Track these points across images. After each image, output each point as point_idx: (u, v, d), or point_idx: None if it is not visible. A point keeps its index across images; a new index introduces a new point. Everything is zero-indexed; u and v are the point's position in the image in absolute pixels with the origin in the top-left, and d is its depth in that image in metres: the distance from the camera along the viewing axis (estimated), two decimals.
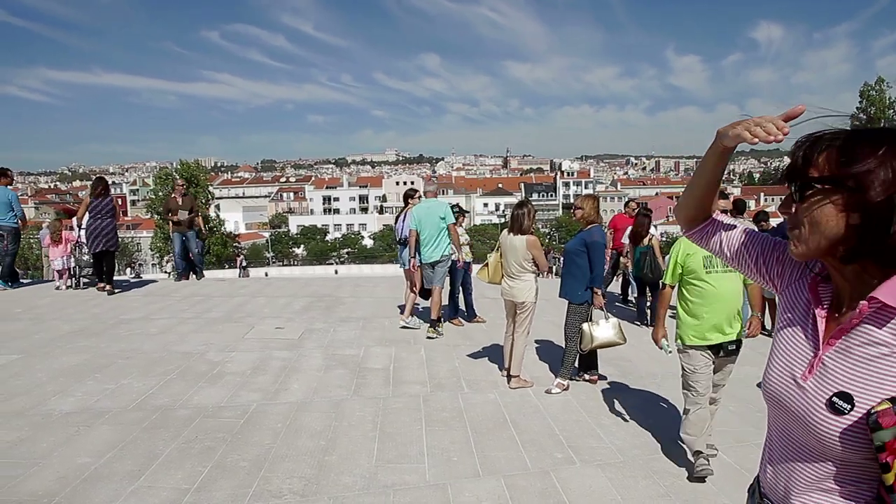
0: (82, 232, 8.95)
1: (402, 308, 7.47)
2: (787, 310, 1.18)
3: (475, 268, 7.45)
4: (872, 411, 0.92)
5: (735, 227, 1.34)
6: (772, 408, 1.15)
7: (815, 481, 1.04)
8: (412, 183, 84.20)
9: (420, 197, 7.36)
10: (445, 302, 7.24)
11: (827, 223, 1.00)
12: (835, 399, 0.99)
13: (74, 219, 9.68)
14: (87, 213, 8.55)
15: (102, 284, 8.81)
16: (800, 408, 1.05)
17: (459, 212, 7.67)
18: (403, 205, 7.63)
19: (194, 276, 10.79)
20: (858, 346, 1.00)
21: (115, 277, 9.48)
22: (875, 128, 1.02)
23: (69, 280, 9.43)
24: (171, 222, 10.60)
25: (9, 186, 9.21)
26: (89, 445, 3.64)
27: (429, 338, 6.57)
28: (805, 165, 1.03)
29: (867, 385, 0.97)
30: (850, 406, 0.97)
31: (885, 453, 0.90)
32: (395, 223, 7.75)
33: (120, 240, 9.93)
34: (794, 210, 1.06)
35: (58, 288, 9.20)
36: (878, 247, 0.97)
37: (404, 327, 6.98)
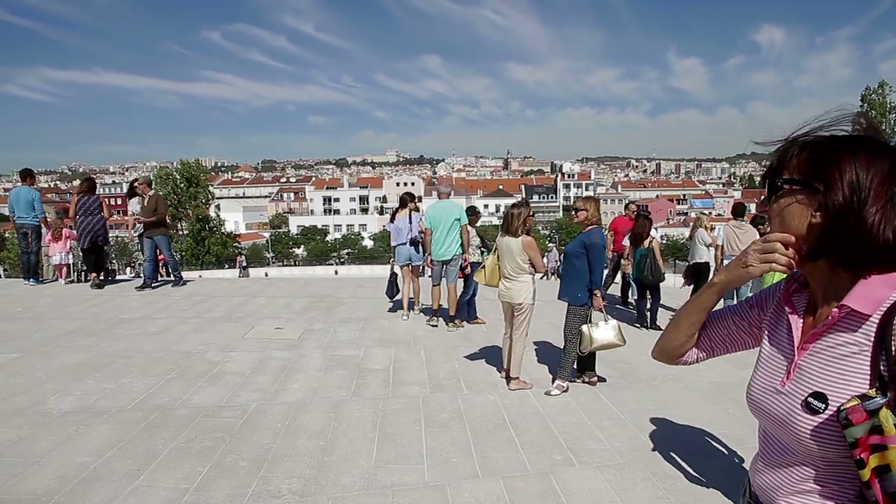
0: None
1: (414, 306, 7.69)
2: (768, 326, 1.22)
3: None
4: (842, 408, 0.94)
5: (712, 318, 1.32)
6: (756, 416, 1.19)
7: (799, 482, 1.07)
8: (412, 184, 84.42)
9: (417, 202, 7.53)
10: (444, 303, 7.26)
11: (791, 221, 1.05)
12: (810, 399, 1.01)
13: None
14: (76, 211, 8.83)
15: (101, 279, 9.10)
16: (780, 412, 1.08)
17: (473, 213, 7.76)
18: (399, 206, 7.68)
19: (172, 280, 9.76)
20: (830, 347, 1.03)
21: (116, 277, 9.66)
22: (854, 135, 1.05)
23: (70, 275, 9.73)
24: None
25: (32, 186, 9.46)
26: (88, 444, 3.64)
27: (448, 329, 7.03)
28: (780, 167, 1.09)
29: (839, 383, 0.99)
30: (824, 405, 0.99)
31: (858, 449, 0.91)
32: (392, 222, 7.72)
33: (119, 238, 10.17)
34: (766, 208, 1.12)
35: (68, 281, 9.48)
36: (838, 247, 1.00)
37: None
